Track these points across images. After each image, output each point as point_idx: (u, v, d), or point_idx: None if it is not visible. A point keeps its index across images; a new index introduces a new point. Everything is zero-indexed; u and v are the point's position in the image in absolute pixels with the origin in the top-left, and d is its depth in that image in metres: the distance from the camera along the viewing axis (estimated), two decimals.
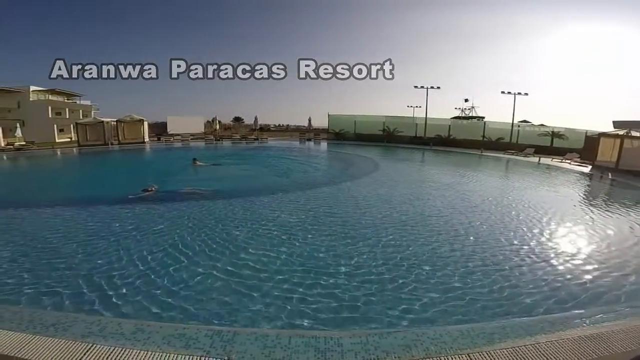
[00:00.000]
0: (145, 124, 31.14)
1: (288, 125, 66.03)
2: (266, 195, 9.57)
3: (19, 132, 39.75)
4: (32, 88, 43.06)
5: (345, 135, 31.80)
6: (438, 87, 31.11)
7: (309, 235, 6.09)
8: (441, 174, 14.39)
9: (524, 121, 32.07)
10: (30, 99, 42.36)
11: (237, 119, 63.97)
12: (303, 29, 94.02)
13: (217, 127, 38.27)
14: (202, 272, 4.69)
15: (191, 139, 31.87)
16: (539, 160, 18.76)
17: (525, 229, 6.76)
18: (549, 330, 3.20)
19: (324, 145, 29.17)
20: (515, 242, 5.98)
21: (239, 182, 12.08)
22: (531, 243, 5.90)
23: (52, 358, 2.56)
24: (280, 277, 4.53)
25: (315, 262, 4.97)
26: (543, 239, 6.22)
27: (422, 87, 30.85)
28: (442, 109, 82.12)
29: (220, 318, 3.63)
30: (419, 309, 3.80)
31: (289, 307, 3.81)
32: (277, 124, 66.82)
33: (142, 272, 4.67)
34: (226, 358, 2.66)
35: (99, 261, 5.05)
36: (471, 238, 6.13)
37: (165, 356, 2.65)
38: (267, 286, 4.28)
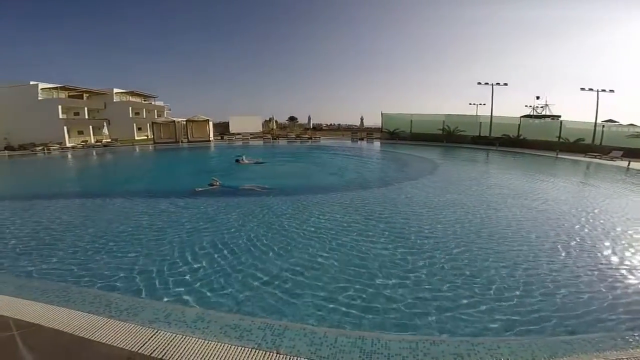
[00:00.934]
0: (211, 123, 33.64)
1: (340, 124, 66.38)
2: (318, 194, 9.72)
3: (105, 130, 45.50)
4: (116, 90, 48.65)
5: (401, 135, 30.99)
6: (505, 84, 28.87)
7: (361, 238, 6.03)
8: (512, 178, 13.25)
9: (610, 121, 28.33)
10: (114, 100, 47.88)
11: (292, 119, 65.75)
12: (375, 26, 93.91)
13: (274, 126, 39.83)
14: (254, 265, 4.90)
15: (250, 138, 33.65)
16: (629, 164, 16.42)
17: (623, 245, 5.97)
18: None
19: (377, 144, 28.78)
20: (611, 260, 5.24)
21: (292, 181, 12.45)
22: (632, 261, 5.22)
23: (120, 342, 2.82)
24: (330, 276, 4.53)
25: (365, 265, 4.90)
26: None
27: (486, 83, 28.90)
28: (508, 107, 76.15)
29: (272, 312, 3.69)
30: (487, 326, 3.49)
31: (337, 307, 3.78)
32: (329, 123, 67.52)
33: (205, 260, 5.09)
34: (275, 351, 2.72)
35: (168, 247, 5.62)
36: (560, 255, 5.44)
37: (221, 346, 2.76)
38: (316, 284, 4.30)
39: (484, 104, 32.86)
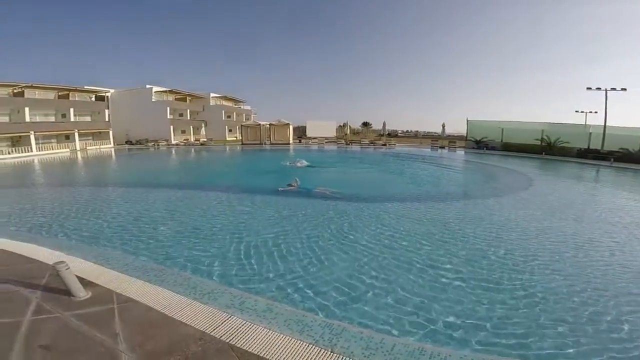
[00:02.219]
0: (291, 127, 35.55)
1: (417, 131, 63.59)
2: (390, 202, 9.29)
3: (203, 131, 51.70)
4: (212, 94, 54.86)
5: (489, 144, 28.11)
6: (623, 89, 23.79)
7: (436, 253, 5.46)
8: (637, 202, 10.70)
9: None
10: (211, 104, 54.05)
11: (365, 124, 65.37)
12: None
13: (348, 131, 40.14)
14: (323, 263, 4.94)
15: (325, 142, 34.47)
16: None
17: None
18: None
19: (460, 154, 26.53)
20: None
21: (365, 187, 12.22)
22: None
23: (196, 323, 3.06)
24: (392, 285, 4.35)
25: (433, 283, 4.43)
26: None
27: (598, 88, 24.21)
28: (627, 116, 62.54)
29: (333, 311, 3.69)
30: None
31: (399, 317, 3.61)
32: (405, 130, 65.24)
33: (280, 254, 5.29)
34: (329, 350, 2.74)
35: (251, 239, 5.98)
36: None
37: (282, 338, 2.87)
38: (379, 291, 4.17)
39: (596, 112, 27.63)
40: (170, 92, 47.87)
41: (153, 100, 45.22)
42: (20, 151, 31.41)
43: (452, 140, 32.03)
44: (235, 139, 49.19)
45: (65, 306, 3.31)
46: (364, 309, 3.76)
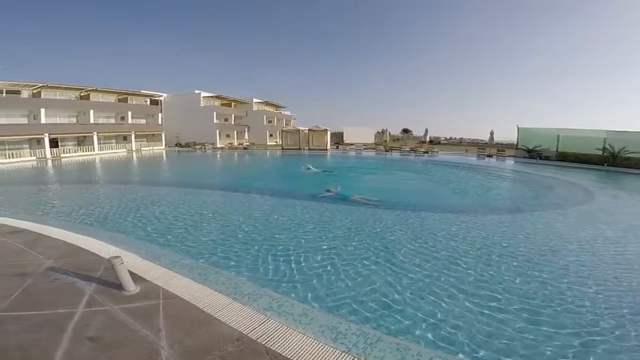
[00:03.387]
0: (328, 133, 35.71)
1: (462, 138, 60.70)
2: (432, 212, 8.78)
3: (246, 135, 53.79)
4: (255, 100, 56.95)
5: (542, 154, 25.95)
6: None
7: (485, 272, 4.93)
8: None
9: None
10: (253, 109, 56.11)
11: (406, 131, 63.88)
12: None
13: (387, 138, 39.36)
14: (361, 271, 4.83)
15: (363, 149, 34.12)
16: None
17: None
18: None
19: (509, 163, 24.77)
20: None
21: (404, 195, 11.79)
22: None
23: (235, 323, 3.08)
24: (432, 299, 4.08)
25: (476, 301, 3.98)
26: None
27: None
28: None
29: (368, 320, 3.57)
30: None
31: (439, 334, 3.38)
32: (448, 137, 62.62)
33: (317, 259, 5.24)
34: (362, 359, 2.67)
35: (289, 243, 6.00)
36: None
37: (316, 344, 2.83)
38: (418, 304, 3.93)
39: None
40: (217, 97, 50.48)
41: (201, 105, 47.94)
42: (85, 150, 34.91)
43: (501, 149, 30.05)
44: (275, 143, 50.54)
45: (115, 300, 3.50)
46: (402, 321, 3.59)
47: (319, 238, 6.46)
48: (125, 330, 2.95)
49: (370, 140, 39.28)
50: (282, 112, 64.92)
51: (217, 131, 47.05)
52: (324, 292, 4.22)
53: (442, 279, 4.63)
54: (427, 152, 30.78)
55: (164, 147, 43.15)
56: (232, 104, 54.07)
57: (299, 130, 38.04)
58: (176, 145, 45.86)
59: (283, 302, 3.68)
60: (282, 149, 36.41)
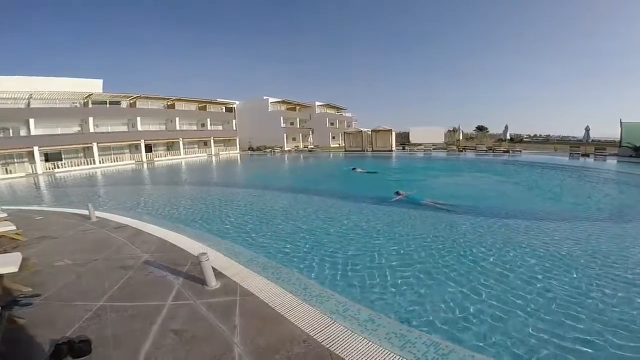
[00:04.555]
0: (393, 133, 34.61)
1: (548, 135, 53.44)
2: (518, 219, 7.76)
3: (310, 138, 55.33)
4: (317, 103, 58.16)
5: None
6: None
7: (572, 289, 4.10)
8: None
9: None
10: (316, 112, 57.39)
11: (481, 128, 58.77)
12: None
13: (460, 137, 36.54)
14: (436, 278, 4.54)
15: (433, 149, 32.23)
16: None
17: None
18: None
19: (611, 163, 20.82)
20: None
21: (483, 200, 10.56)
22: None
23: (303, 324, 3.08)
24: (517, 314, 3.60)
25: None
26: None
27: None
28: None
29: (441, 331, 3.33)
30: None
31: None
32: (532, 134, 55.67)
33: (388, 265, 4.96)
34: None
35: (358, 246, 5.84)
36: None
37: (382, 351, 2.73)
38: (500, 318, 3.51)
39: None
40: (283, 102, 52.93)
41: (269, 110, 50.77)
42: (172, 154, 39.68)
43: (599, 147, 25.55)
44: (338, 145, 50.94)
45: (198, 294, 3.75)
46: (482, 335, 3.26)
47: (388, 242, 6.19)
48: (205, 325, 3.13)
49: (440, 140, 36.89)
50: (344, 114, 65.16)
51: (284, 135, 49.29)
52: (391, 298, 4.03)
53: (527, 295, 4.01)
54: (507, 152, 27.75)
55: (238, 151, 46.79)
56: (297, 107, 56.13)
57: (361, 131, 37.66)
58: (249, 149, 49.32)
59: (349, 307, 3.59)
60: (345, 150, 36.47)
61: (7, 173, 26.96)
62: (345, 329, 3.03)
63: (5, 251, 5.49)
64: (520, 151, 28.00)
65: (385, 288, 4.33)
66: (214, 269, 4.09)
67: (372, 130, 35.94)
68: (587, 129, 28.38)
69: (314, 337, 2.89)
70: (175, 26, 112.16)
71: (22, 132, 28.84)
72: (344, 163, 25.84)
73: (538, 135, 55.46)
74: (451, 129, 41.78)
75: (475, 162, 23.05)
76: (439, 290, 4.22)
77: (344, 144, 38.79)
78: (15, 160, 28.67)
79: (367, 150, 34.68)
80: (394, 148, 34.17)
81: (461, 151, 30.60)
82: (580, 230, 7.05)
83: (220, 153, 44.04)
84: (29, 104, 29.43)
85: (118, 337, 2.98)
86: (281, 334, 2.94)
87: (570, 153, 25.74)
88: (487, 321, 3.49)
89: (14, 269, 3.93)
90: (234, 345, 2.79)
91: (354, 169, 18.61)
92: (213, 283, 3.91)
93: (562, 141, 40.08)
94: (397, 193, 10.26)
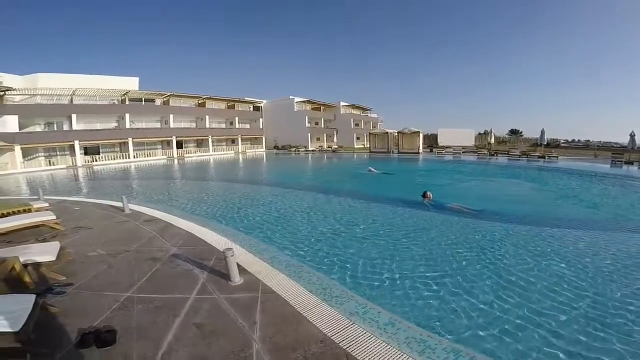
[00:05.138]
0: (421, 135, 33.78)
1: (589, 141, 49.97)
2: (553, 228, 7.28)
3: (335, 139, 55.27)
4: (342, 103, 57.93)
5: None
6: None
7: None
8: None
9: None
10: (341, 113, 57.19)
11: (514, 132, 56.19)
12: None
13: (491, 140, 35.04)
14: (462, 284, 4.40)
15: (462, 153, 31.15)
16: None
17: None
18: None
19: None
20: None
21: (516, 207, 9.96)
22: None
23: (321, 324, 3.09)
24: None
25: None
26: None
27: None
28: None
29: (462, 338, 3.22)
30: None
31: None
32: (570, 140, 52.35)
33: (410, 269, 4.86)
34: None
35: (383, 249, 5.71)
36: None
37: (400, 355, 2.69)
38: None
39: None
40: (308, 102, 53.22)
41: (295, 110, 51.24)
42: (202, 151, 41.02)
43: None
44: (363, 146, 50.50)
45: (222, 289, 3.83)
46: (507, 345, 3.13)
47: (413, 246, 6.05)
48: (226, 320, 3.18)
49: (471, 143, 35.57)
50: (369, 115, 64.45)
51: (309, 135, 49.54)
52: (412, 302, 3.94)
53: (552, 312, 3.75)
54: (543, 157, 26.29)
55: (264, 149, 47.64)
56: (322, 108, 56.22)
57: (387, 133, 37.09)
58: (274, 148, 50.06)
59: (370, 309, 3.54)
60: (370, 152, 36.04)
61: (50, 165, 29.14)
62: (364, 331, 3.00)
63: (45, 240, 5.82)
64: (557, 157, 26.43)
65: (407, 292, 4.23)
66: (238, 265, 4.15)
67: (398, 132, 35.28)
68: (633, 135, 26.31)
69: (332, 337, 2.87)
70: (205, 27, 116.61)
71: (65, 127, 31.03)
72: (365, 164, 25.54)
73: (577, 140, 52.15)
74: (482, 132, 40.25)
75: (507, 168, 22.00)
76: (465, 298, 4.05)
77: (368, 145, 38.34)
78: (58, 153, 30.89)
79: (392, 152, 34.10)
80: (421, 151, 33.37)
81: (493, 155, 29.35)
82: (623, 243, 6.53)
83: (247, 151, 45.04)
84: (71, 101, 31.58)
85: (142, 329, 3.08)
86: (300, 333, 2.94)
87: (612, 160, 23.98)
88: (515, 335, 3.30)
89: (51, 258, 4.15)
90: (252, 342, 2.82)
91: (369, 170, 18.60)
92: (237, 279, 3.98)
93: (604, 147, 37.40)
94: (425, 195, 9.96)
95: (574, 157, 28.14)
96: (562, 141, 48.58)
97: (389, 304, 3.88)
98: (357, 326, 3.08)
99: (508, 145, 37.54)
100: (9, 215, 7.24)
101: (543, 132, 30.19)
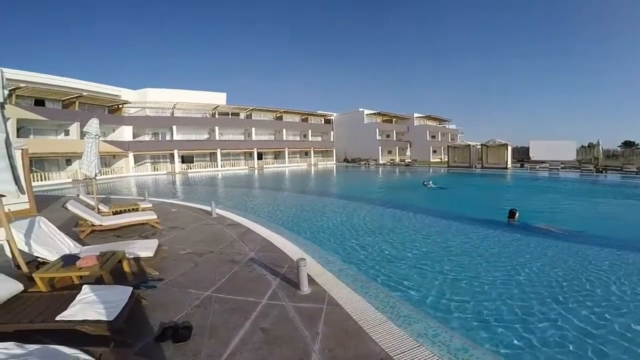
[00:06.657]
0: (509, 148, 30.32)
1: None
2: None
3: (408, 152, 53.39)
4: (416, 115, 55.66)
5: None
6: None
7: None
8: None
9: None
10: (415, 124, 54.97)
11: (629, 144, 46.88)
12: None
13: (599, 154, 29.62)
14: (544, 315, 3.89)
15: (561, 168, 27.03)
16: None
17: None
18: None
19: None
20: None
21: (625, 231, 8.27)
22: None
23: (384, 342, 2.95)
24: None
25: None
26: None
27: None
28: None
29: None
30: None
31: None
32: None
33: (492, 294, 4.37)
34: None
35: (460, 270, 5.29)
36: None
37: None
38: None
39: None
40: (378, 114, 52.60)
41: (365, 122, 51.17)
42: (279, 163, 43.70)
43: None
44: (439, 160, 47.60)
45: (291, 297, 3.95)
46: None
47: (497, 269, 5.48)
48: (291, 327, 3.26)
49: (571, 157, 30.70)
50: (447, 126, 60.60)
51: (380, 147, 48.77)
52: (488, 327, 3.60)
53: None
54: None
55: (334, 162, 48.50)
56: (393, 119, 54.88)
57: (468, 145, 34.11)
58: (344, 160, 50.60)
59: (440, 332, 3.29)
60: (448, 166, 33.64)
61: (154, 170, 34.45)
62: (432, 355, 2.77)
63: (146, 237, 6.63)
64: None
65: (483, 316, 3.87)
66: (308, 275, 4.23)
67: (482, 145, 32.24)
68: None
69: (394, 357, 2.72)
70: (276, 41, 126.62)
71: (167, 137, 36.44)
72: (444, 180, 23.80)
73: None
74: (586, 145, 34.43)
75: (619, 186, 18.24)
76: (550, 328, 3.56)
77: (446, 159, 35.91)
78: (161, 160, 36.34)
79: (475, 167, 31.30)
80: (509, 165, 29.90)
81: (600, 172, 24.77)
82: None
83: (318, 163, 46.44)
84: (172, 113, 37.03)
85: (214, 328, 3.27)
86: (360, 350, 2.86)
87: None
88: None
89: (150, 254, 4.71)
90: (312, 353, 2.84)
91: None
92: (305, 288, 4.06)
93: None
94: (512, 214, 8.78)
95: None
96: None
97: (463, 329, 3.58)
98: (424, 348, 2.88)
99: (621, 160, 31.28)
100: (122, 212, 8.73)
101: None
